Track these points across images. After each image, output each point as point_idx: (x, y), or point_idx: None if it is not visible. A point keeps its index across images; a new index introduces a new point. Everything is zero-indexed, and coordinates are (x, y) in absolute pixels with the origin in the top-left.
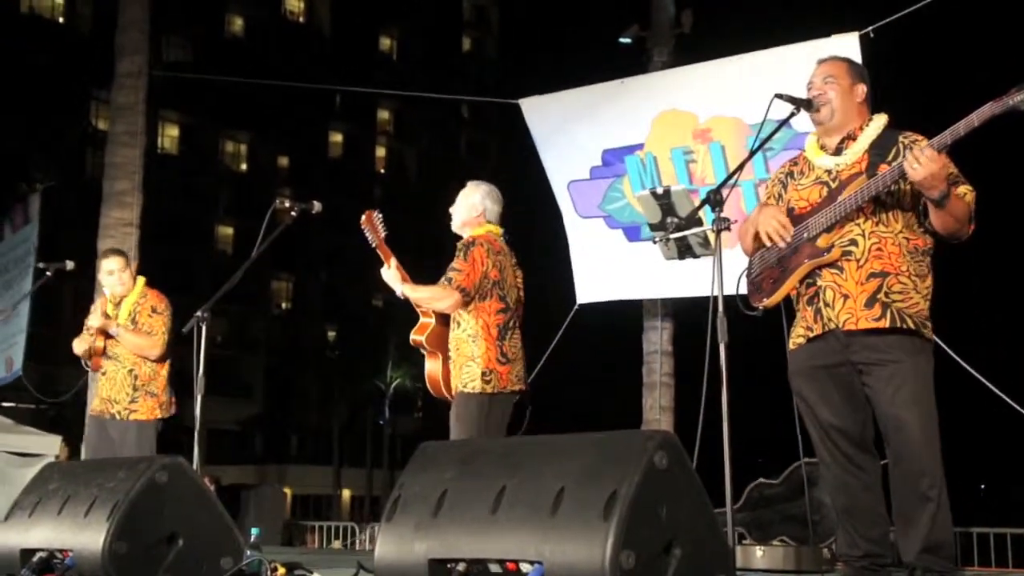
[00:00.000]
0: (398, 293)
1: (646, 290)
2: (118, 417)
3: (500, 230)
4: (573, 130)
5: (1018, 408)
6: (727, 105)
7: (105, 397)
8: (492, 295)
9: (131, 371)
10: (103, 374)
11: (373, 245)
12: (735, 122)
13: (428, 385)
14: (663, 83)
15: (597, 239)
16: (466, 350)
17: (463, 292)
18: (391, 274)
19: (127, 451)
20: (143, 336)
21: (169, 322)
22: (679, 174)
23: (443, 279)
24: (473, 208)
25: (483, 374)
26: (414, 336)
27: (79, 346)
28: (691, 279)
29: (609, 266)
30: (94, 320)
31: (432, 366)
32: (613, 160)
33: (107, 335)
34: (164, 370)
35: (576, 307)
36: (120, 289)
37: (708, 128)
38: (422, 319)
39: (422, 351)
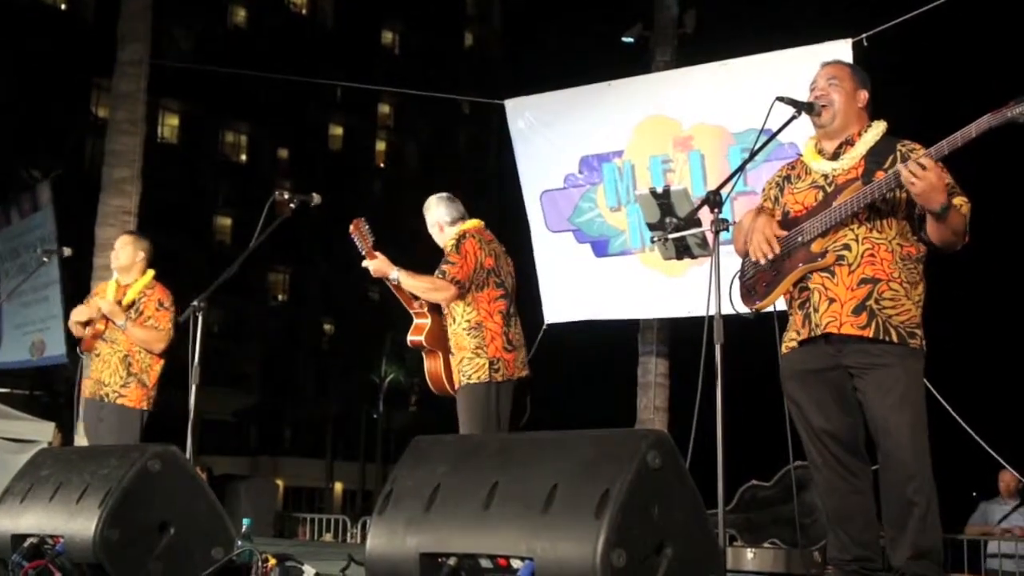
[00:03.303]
0: (392, 278)
1: (614, 310)
2: (107, 400)
3: (481, 223)
4: (554, 133)
5: (989, 449)
6: (712, 112)
7: (97, 379)
8: (489, 283)
9: (126, 357)
10: (96, 355)
11: (363, 252)
12: (718, 130)
13: (430, 383)
14: (651, 87)
15: (565, 255)
16: (465, 343)
17: (458, 285)
18: (379, 261)
19: (107, 435)
20: (149, 330)
21: (174, 318)
22: (656, 184)
23: (437, 272)
24: (439, 222)
25: (491, 363)
26: (412, 338)
27: (82, 313)
28: (660, 299)
29: (577, 283)
30: (104, 305)
31: (432, 365)
32: (590, 167)
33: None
34: (159, 365)
35: (544, 327)
36: (114, 262)
37: (690, 136)
38: (417, 320)
39: (421, 351)
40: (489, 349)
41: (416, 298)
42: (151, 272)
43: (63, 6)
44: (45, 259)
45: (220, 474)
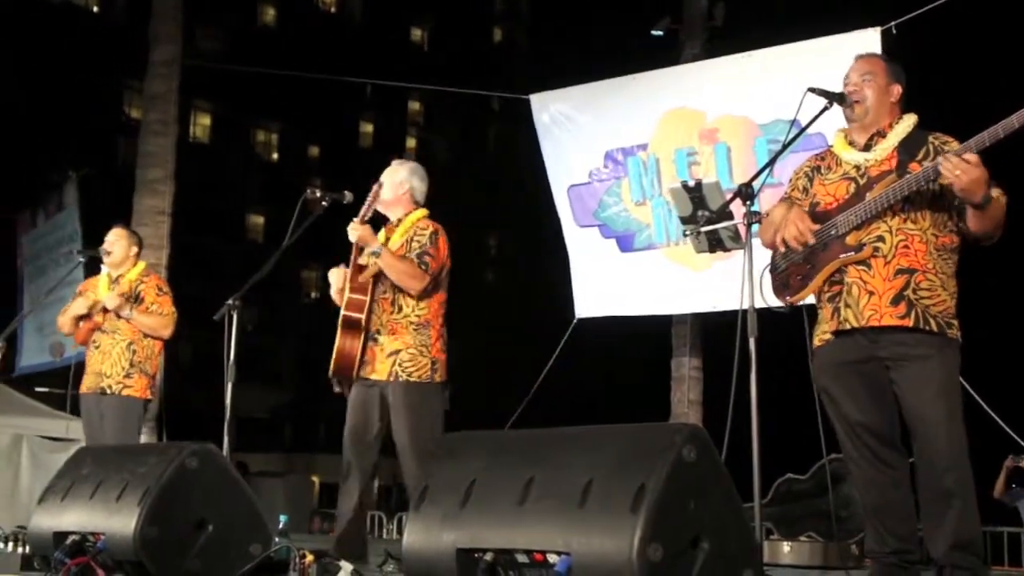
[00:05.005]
0: (373, 249)
1: (641, 305)
2: (109, 391)
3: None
4: (579, 127)
5: (1013, 435)
6: (737, 103)
7: (97, 371)
8: (443, 285)
9: (130, 345)
10: (96, 347)
11: (360, 214)
12: (744, 121)
13: (338, 360)
14: (675, 79)
15: (593, 249)
16: (408, 338)
17: (432, 279)
18: (368, 228)
19: (110, 429)
20: (155, 316)
21: (174, 302)
22: (681, 176)
23: (416, 258)
24: (399, 186)
25: (432, 363)
26: (351, 314)
27: (81, 306)
28: (685, 293)
29: (605, 278)
30: (109, 301)
31: (351, 343)
32: (615, 161)
33: (106, 310)
34: (160, 353)
35: (575, 321)
36: (107, 258)
37: (716, 128)
38: (355, 295)
39: (349, 326)
40: (432, 349)
41: (361, 271)
42: (143, 263)
43: (95, 8)
44: (81, 259)
45: (256, 471)
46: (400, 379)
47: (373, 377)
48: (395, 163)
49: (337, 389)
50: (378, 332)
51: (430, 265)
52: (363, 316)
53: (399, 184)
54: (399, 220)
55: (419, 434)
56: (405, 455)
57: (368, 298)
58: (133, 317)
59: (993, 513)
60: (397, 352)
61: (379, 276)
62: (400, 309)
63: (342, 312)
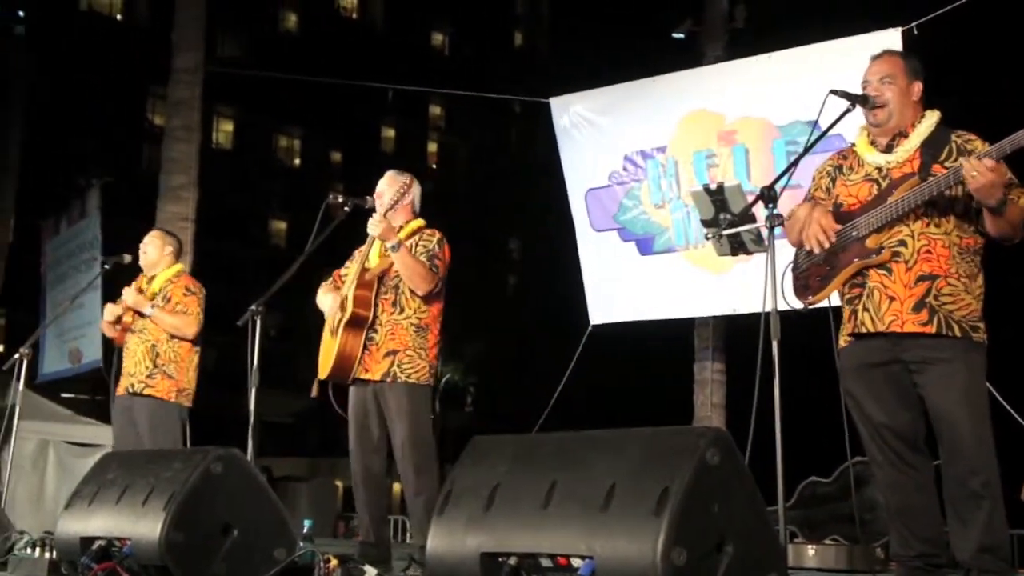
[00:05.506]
0: (391, 245)
1: (660, 308)
2: (132, 390)
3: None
4: (598, 130)
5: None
6: (756, 105)
7: (126, 372)
8: (443, 294)
9: (153, 347)
10: (126, 348)
11: (387, 206)
12: (762, 123)
13: (334, 361)
14: (694, 81)
15: (611, 254)
16: (407, 339)
17: (439, 284)
18: (389, 223)
19: (144, 433)
20: (178, 316)
21: (203, 304)
22: (699, 179)
23: (427, 262)
24: (415, 204)
25: (430, 367)
26: (360, 311)
27: (111, 311)
28: (705, 296)
29: (623, 283)
30: (128, 296)
31: (353, 342)
32: (634, 163)
33: (136, 312)
34: (190, 356)
35: (590, 328)
36: (142, 259)
37: (734, 130)
38: (361, 291)
39: (355, 324)
40: (429, 353)
41: (366, 271)
42: (179, 265)
43: (118, 16)
44: (107, 266)
45: (280, 476)
46: (399, 380)
47: (366, 377)
48: (393, 172)
49: (315, 393)
50: (375, 331)
51: (439, 268)
52: (369, 314)
53: (404, 193)
54: (400, 227)
55: (419, 435)
56: (404, 457)
57: (373, 295)
58: (155, 315)
59: (1020, 516)
60: (394, 353)
61: (383, 276)
62: (402, 310)
63: (351, 310)
